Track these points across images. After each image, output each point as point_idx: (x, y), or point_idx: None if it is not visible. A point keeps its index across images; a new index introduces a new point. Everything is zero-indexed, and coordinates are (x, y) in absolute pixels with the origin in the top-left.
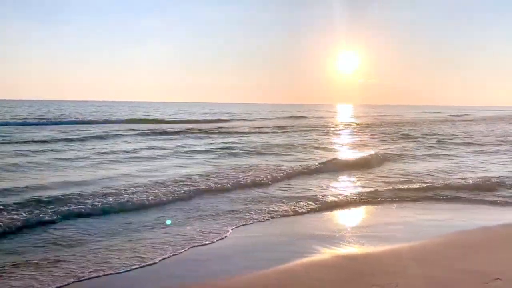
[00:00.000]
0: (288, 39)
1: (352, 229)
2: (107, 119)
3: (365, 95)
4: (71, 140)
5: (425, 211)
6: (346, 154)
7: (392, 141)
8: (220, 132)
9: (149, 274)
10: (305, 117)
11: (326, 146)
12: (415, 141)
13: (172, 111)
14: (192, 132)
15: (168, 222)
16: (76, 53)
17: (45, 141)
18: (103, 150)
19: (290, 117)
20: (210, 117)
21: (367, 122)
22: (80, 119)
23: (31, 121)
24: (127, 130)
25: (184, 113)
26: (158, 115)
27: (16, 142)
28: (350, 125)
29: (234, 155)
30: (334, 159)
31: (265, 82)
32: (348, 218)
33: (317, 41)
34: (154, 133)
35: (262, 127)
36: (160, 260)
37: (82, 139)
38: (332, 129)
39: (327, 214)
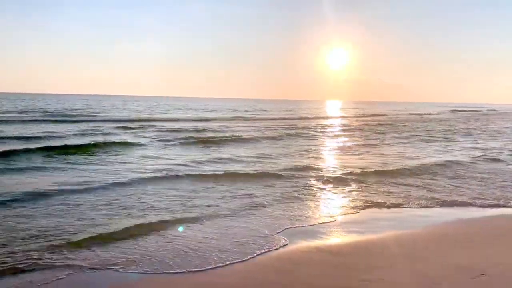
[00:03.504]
0: (278, 36)
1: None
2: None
3: (353, 91)
4: None
5: None
6: None
7: None
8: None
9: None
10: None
11: None
12: None
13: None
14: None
15: (180, 228)
16: (60, 48)
17: None
18: None
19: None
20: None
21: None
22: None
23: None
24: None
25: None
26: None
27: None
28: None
29: None
30: None
31: (252, 79)
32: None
33: (307, 39)
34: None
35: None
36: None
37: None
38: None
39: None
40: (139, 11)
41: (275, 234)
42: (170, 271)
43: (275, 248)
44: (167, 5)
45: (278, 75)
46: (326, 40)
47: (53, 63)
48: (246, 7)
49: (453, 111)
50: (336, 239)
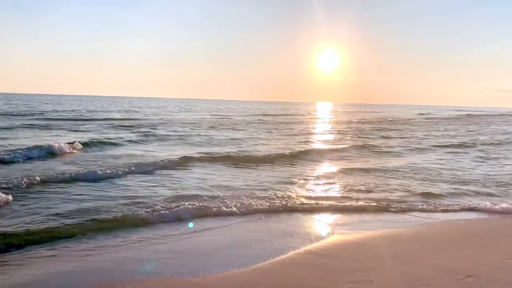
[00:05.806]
0: (270, 38)
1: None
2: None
3: (343, 93)
4: None
5: None
6: None
7: None
8: None
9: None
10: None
11: None
12: None
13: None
14: None
15: (190, 225)
16: (45, 46)
17: None
18: None
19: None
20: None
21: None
22: None
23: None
24: None
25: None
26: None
27: None
28: None
29: None
30: None
31: (241, 80)
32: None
33: (297, 40)
34: None
35: None
36: None
37: None
38: None
39: None
40: (130, 8)
41: None
42: None
43: None
44: (160, 3)
45: (268, 77)
46: (318, 41)
47: (39, 62)
48: (238, 6)
49: (468, 115)
50: (324, 240)
